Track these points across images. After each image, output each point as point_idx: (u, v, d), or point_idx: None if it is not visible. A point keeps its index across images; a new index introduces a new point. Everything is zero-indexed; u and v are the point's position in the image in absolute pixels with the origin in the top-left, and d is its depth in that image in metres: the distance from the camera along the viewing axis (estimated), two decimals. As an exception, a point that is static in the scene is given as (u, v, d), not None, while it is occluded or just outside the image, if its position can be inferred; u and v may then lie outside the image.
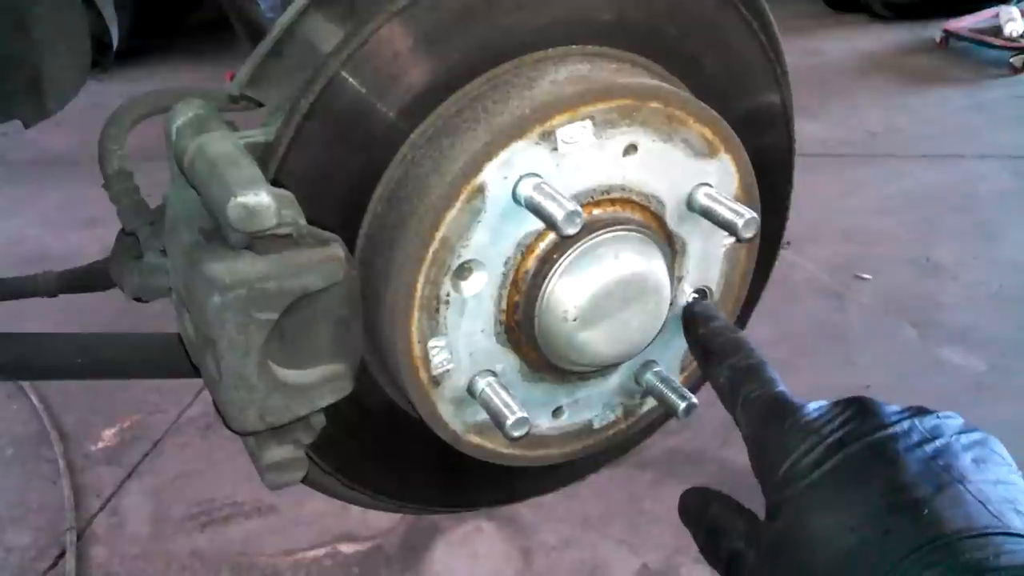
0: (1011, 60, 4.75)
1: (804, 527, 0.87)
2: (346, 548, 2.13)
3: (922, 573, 0.77)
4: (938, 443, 0.88)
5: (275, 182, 1.03)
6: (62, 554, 2.12)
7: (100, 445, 2.54)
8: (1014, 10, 5.02)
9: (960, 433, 0.90)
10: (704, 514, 1.02)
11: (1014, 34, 4.86)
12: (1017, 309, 2.88)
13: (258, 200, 0.92)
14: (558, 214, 0.99)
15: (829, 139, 4.14)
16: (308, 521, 2.17)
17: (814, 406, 0.97)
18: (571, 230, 1.00)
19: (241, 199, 0.91)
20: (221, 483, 2.31)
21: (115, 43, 1.98)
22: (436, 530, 2.13)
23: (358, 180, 1.08)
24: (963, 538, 0.78)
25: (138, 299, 1.25)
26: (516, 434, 1.08)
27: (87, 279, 1.51)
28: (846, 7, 6.01)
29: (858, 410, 0.93)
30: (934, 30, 5.34)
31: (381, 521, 2.13)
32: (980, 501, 0.82)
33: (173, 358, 1.38)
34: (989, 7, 5.26)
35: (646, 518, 2.15)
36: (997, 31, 4.94)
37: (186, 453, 2.48)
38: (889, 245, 3.29)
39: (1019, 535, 0.79)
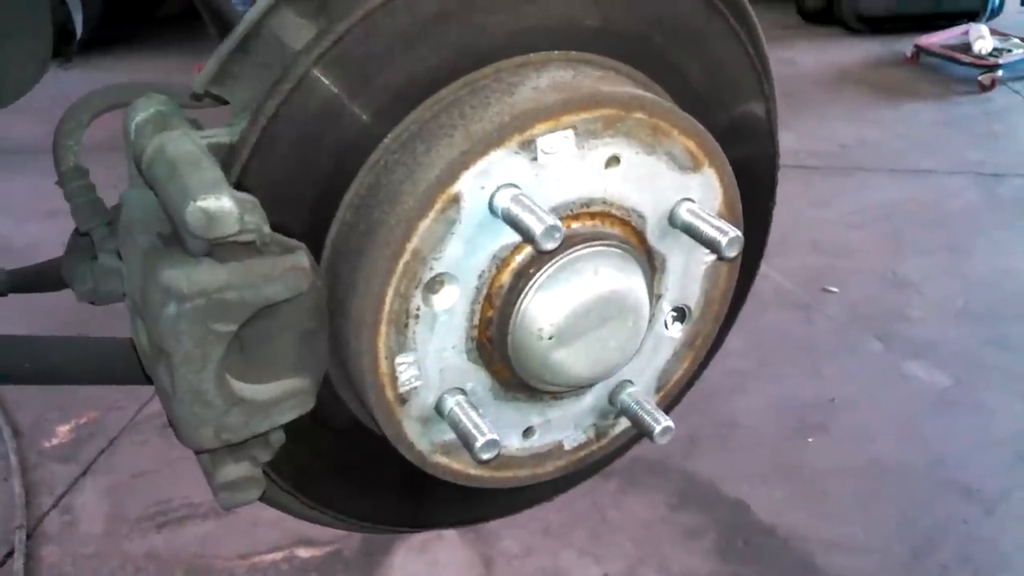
0: (979, 78, 4.79)
1: None
2: (304, 552, 2.10)
3: None
4: None
5: (238, 186, 0.98)
6: (11, 553, 2.07)
7: (55, 441, 2.48)
8: (983, 28, 5.07)
9: None
10: None
11: (983, 52, 4.90)
12: (981, 325, 2.89)
13: (219, 205, 0.86)
14: (537, 228, 0.95)
15: (800, 150, 4.15)
16: (266, 524, 2.13)
17: None
18: (550, 245, 0.96)
19: (201, 203, 0.86)
20: (178, 483, 2.27)
21: (79, 33, 1.91)
22: (396, 535, 2.09)
23: (327, 186, 1.03)
24: None
25: (90, 302, 1.19)
26: (485, 456, 1.04)
27: (39, 279, 1.44)
28: (820, 20, 6.04)
29: None
30: (906, 45, 5.38)
31: (340, 526, 2.09)
32: None
33: (126, 364, 1.31)
34: (959, 25, 5.30)
35: (608, 527, 2.13)
36: (967, 48, 4.98)
37: (143, 451, 2.43)
38: (857, 258, 3.30)
39: None
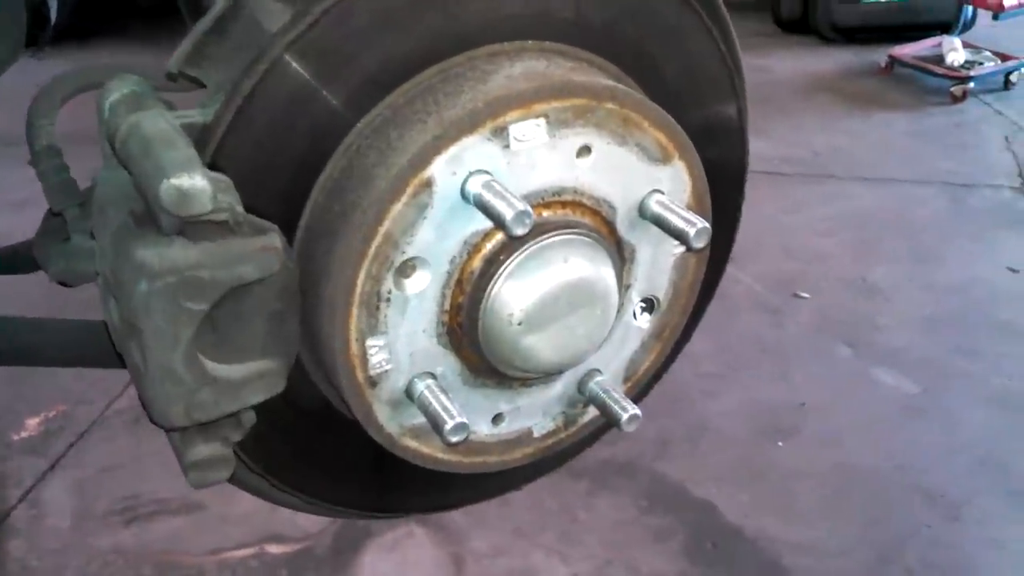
0: (951, 89, 4.84)
1: None
2: (274, 549, 2.08)
3: None
4: None
5: (212, 166, 0.98)
6: (-24, 546, 2.03)
7: (23, 434, 2.44)
8: (956, 41, 5.12)
9: None
10: None
11: (955, 64, 4.95)
12: (949, 333, 2.92)
13: (193, 183, 0.87)
14: (507, 213, 0.97)
15: (773, 157, 4.17)
16: (236, 520, 2.11)
17: None
18: (520, 231, 0.97)
19: (175, 181, 0.86)
20: (147, 478, 2.23)
21: (53, 17, 1.88)
22: (366, 534, 2.08)
23: (300, 168, 1.04)
24: None
25: (63, 283, 1.19)
26: (454, 440, 1.05)
27: (11, 261, 1.43)
28: (796, 28, 6.08)
29: None
30: (879, 55, 5.43)
31: (311, 522, 2.08)
32: None
33: (98, 346, 1.31)
34: (933, 36, 5.37)
35: (578, 528, 2.13)
36: (940, 60, 5.03)
37: (112, 446, 2.39)
38: (827, 265, 3.32)
39: None
